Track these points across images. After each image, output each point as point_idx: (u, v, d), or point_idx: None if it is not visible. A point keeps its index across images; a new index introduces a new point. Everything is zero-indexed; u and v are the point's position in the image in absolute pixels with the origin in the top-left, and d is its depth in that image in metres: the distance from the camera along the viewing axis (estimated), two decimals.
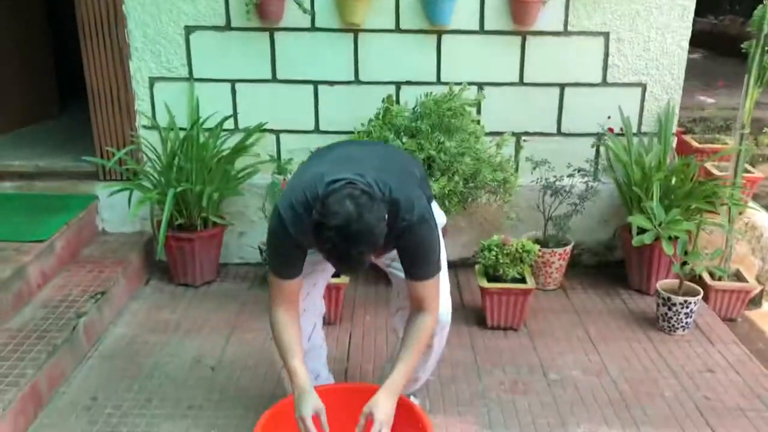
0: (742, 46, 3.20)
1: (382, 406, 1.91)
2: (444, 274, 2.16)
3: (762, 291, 3.55)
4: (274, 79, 3.49)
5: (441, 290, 2.10)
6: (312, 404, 1.92)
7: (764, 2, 3.11)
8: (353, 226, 1.69)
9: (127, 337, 3.01)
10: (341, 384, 2.52)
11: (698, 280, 3.27)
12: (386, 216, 1.78)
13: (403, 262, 2.01)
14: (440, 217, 2.27)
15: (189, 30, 3.41)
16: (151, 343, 2.96)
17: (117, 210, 3.58)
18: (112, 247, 3.48)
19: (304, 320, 2.19)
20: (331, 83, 3.48)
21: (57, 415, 2.48)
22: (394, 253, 2.09)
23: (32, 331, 2.69)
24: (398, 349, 2.06)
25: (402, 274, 2.09)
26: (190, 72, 3.47)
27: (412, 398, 2.44)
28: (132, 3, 3.36)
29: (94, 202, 3.56)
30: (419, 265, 1.99)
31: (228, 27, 3.40)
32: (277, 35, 3.41)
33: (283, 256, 2.01)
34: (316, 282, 2.26)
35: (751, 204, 3.51)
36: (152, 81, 3.49)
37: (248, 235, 3.67)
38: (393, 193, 1.88)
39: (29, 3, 4.33)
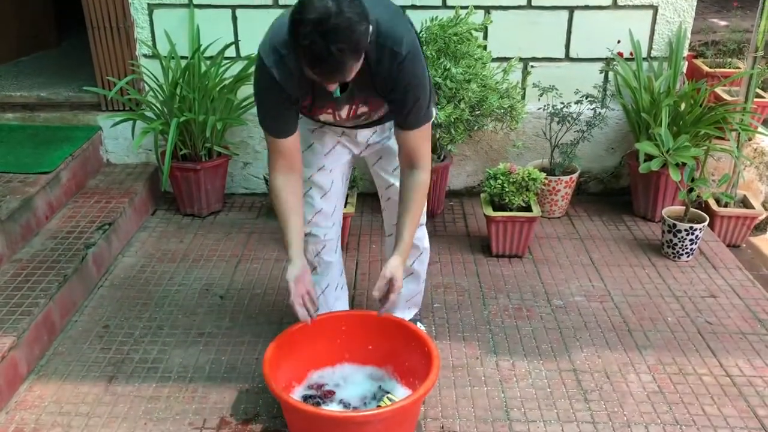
0: None
1: (400, 271, 1.98)
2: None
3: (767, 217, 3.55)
4: (275, 4, 3.40)
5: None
6: (294, 272, 1.96)
7: None
8: (332, 20, 1.55)
9: (136, 266, 3.04)
10: (350, 311, 2.56)
11: (704, 206, 3.27)
12: (369, 26, 1.66)
13: (394, 106, 1.93)
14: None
15: None
16: (160, 272, 3.00)
17: (121, 141, 3.57)
18: (117, 178, 3.48)
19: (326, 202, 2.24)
20: None
21: (71, 342, 2.54)
22: (381, 145, 2.16)
23: (42, 262, 2.72)
24: (399, 212, 2.05)
25: (388, 176, 2.22)
26: None
27: (418, 324, 2.49)
28: None
29: (97, 132, 3.54)
30: (411, 109, 1.90)
31: None
32: None
33: (273, 109, 1.92)
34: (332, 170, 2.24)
35: (761, 129, 3.46)
36: (151, 8, 3.41)
37: (253, 165, 3.66)
38: (380, 25, 1.77)
39: None
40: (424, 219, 2.34)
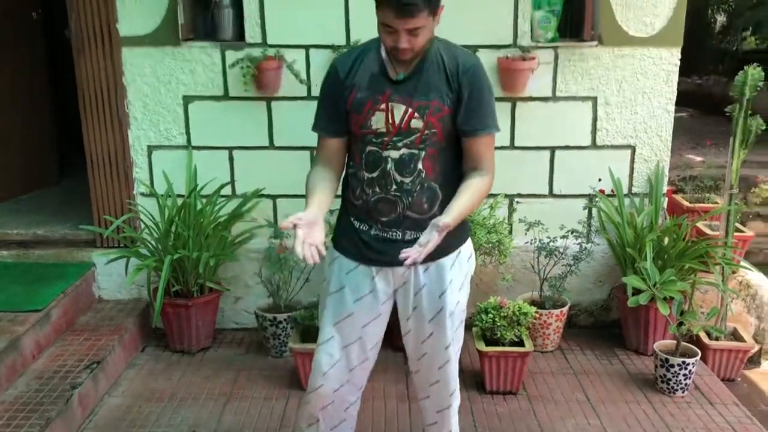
0: (725, 110, 3.28)
1: (444, 227, 1.85)
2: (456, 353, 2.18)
3: (760, 350, 3.55)
4: (271, 146, 3.55)
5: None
6: (297, 238, 1.80)
7: (744, 67, 3.21)
8: None
9: (122, 407, 2.97)
10: None
11: (695, 340, 3.27)
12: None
13: (467, 111, 1.96)
14: (471, 262, 2.22)
15: (187, 100, 3.49)
16: (146, 413, 2.93)
17: (114, 277, 3.59)
18: (108, 315, 3.47)
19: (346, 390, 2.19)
20: None
21: None
22: (415, 297, 2.09)
23: (25, 404, 2.66)
24: (459, 190, 1.97)
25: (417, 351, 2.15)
26: (188, 140, 3.54)
27: None
28: (132, 75, 3.45)
29: (91, 269, 3.57)
30: (483, 115, 1.97)
31: (226, 97, 3.48)
32: (275, 104, 3.49)
33: (324, 102, 2.06)
34: (363, 343, 2.17)
35: (743, 263, 3.54)
36: (150, 149, 3.55)
37: (244, 300, 3.67)
38: (451, 43, 2.02)
39: (33, 73, 4.43)
40: (456, 402, 2.27)
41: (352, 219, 2.11)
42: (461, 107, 1.97)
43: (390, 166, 1.99)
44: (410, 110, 1.96)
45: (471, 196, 1.95)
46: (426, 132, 1.97)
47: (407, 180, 1.99)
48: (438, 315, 2.09)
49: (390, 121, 1.97)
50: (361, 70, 1.99)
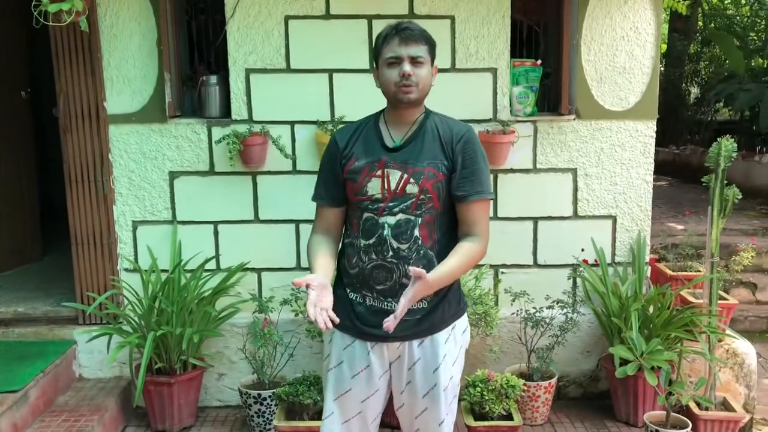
0: (702, 180, 3.36)
1: (426, 288, 1.89)
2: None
3: (751, 419, 3.51)
4: (256, 219, 3.57)
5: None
6: (310, 298, 1.85)
7: (718, 138, 3.31)
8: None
9: None
10: None
11: (685, 410, 3.24)
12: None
13: (461, 178, 2.01)
14: (466, 336, 2.21)
15: (173, 175, 3.52)
16: None
17: (95, 354, 3.53)
18: (89, 394, 3.39)
19: None
20: (312, 222, 3.56)
21: None
22: (409, 370, 2.07)
23: None
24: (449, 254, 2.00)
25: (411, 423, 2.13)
26: (174, 215, 3.55)
27: None
28: (119, 151, 3.49)
29: (71, 347, 3.51)
30: (477, 181, 2.02)
31: (212, 172, 3.52)
32: (260, 178, 3.53)
33: (323, 173, 2.14)
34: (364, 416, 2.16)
35: (729, 332, 3.55)
36: (135, 225, 3.56)
37: (228, 376, 3.61)
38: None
39: (20, 150, 4.46)
40: None
41: (348, 291, 2.11)
42: (456, 174, 2.02)
43: (387, 232, 2.01)
44: (406, 176, 2.00)
45: (460, 259, 1.98)
46: (421, 197, 2.00)
47: (404, 247, 2.01)
48: (432, 390, 2.08)
49: (386, 187, 2.01)
50: (360, 140, 2.08)
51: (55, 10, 2.86)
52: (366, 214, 2.04)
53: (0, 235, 4.31)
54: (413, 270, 1.82)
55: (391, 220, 2.01)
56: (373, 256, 2.03)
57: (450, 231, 2.07)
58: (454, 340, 2.12)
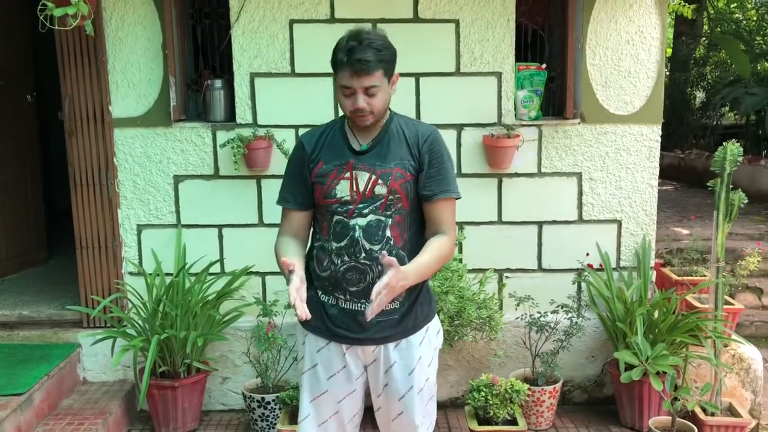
0: (708, 184, 3.35)
1: (405, 279, 1.88)
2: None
3: (758, 425, 3.49)
4: (260, 223, 3.57)
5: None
6: (293, 283, 1.87)
7: (724, 143, 3.30)
8: (365, 32, 1.96)
9: None
10: None
11: (691, 415, 3.22)
12: (395, 53, 2.02)
13: (427, 178, 2.04)
14: (440, 337, 2.23)
15: (178, 179, 3.53)
16: None
17: (99, 358, 3.53)
18: (93, 398, 3.39)
19: None
20: None
21: None
22: (386, 374, 2.08)
23: None
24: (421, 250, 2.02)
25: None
26: (178, 219, 3.56)
27: None
28: (123, 155, 3.50)
29: (76, 350, 3.51)
30: (444, 180, 2.04)
31: (216, 175, 3.52)
32: (264, 182, 3.53)
33: (289, 175, 2.13)
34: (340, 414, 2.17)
35: (734, 337, 3.53)
36: (140, 228, 3.56)
37: (232, 380, 3.60)
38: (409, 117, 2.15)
39: (26, 153, 4.47)
40: None
41: (319, 293, 2.12)
42: (422, 174, 2.05)
43: (358, 234, 2.02)
44: (374, 177, 2.02)
45: (431, 254, 2.01)
46: (390, 197, 2.02)
47: (376, 247, 2.02)
48: (408, 393, 2.10)
49: (354, 188, 2.03)
50: (327, 144, 2.08)
51: (61, 14, 2.86)
52: (336, 217, 2.05)
53: (5, 239, 4.33)
54: (385, 258, 1.83)
55: (362, 221, 2.02)
56: (346, 258, 2.04)
57: (419, 231, 2.10)
58: (428, 342, 2.15)
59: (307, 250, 2.16)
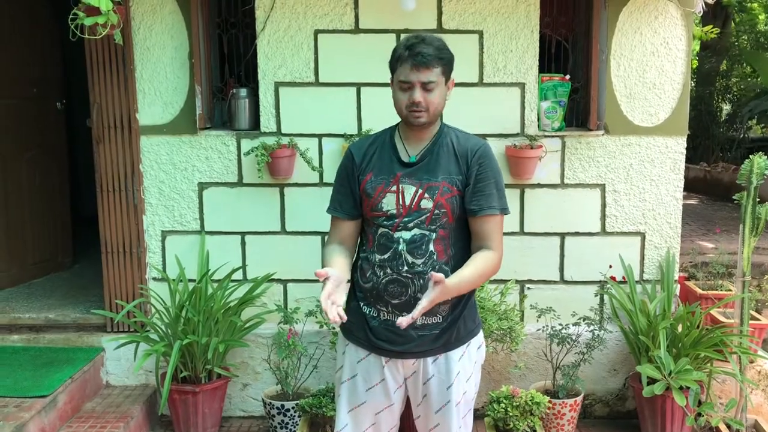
0: (734, 197, 3.31)
1: (444, 293, 1.88)
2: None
3: None
4: (283, 230, 3.60)
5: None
6: (324, 290, 1.87)
7: (750, 155, 3.26)
8: (426, 34, 2.01)
9: None
10: None
11: None
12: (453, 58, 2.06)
13: (474, 192, 2.03)
14: (482, 351, 2.23)
15: (202, 186, 3.57)
16: None
17: (122, 362, 3.57)
18: (115, 401, 3.43)
19: None
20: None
21: None
22: (424, 386, 2.08)
23: None
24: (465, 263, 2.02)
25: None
26: (202, 225, 3.60)
27: None
28: (149, 162, 3.55)
29: (100, 354, 3.56)
30: (491, 196, 2.03)
31: (240, 183, 3.56)
32: (287, 190, 3.56)
33: (338, 185, 2.15)
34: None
35: (761, 353, 3.47)
36: (164, 234, 3.61)
37: (252, 386, 3.62)
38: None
39: (54, 159, 4.55)
40: None
41: (361, 304, 2.12)
42: (470, 188, 2.03)
43: (402, 247, 2.02)
44: (420, 191, 2.02)
45: (476, 268, 1.99)
46: (436, 212, 2.02)
47: (419, 261, 2.02)
48: (445, 407, 2.09)
49: (401, 202, 2.03)
50: (376, 155, 2.09)
51: (91, 24, 2.92)
52: (381, 230, 2.06)
53: (32, 244, 4.40)
54: (433, 275, 1.83)
55: (406, 235, 2.02)
56: (388, 271, 2.04)
57: (464, 246, 2.08)
58: (468, 357, 2.14)
59: (353, 259, 2.17)
